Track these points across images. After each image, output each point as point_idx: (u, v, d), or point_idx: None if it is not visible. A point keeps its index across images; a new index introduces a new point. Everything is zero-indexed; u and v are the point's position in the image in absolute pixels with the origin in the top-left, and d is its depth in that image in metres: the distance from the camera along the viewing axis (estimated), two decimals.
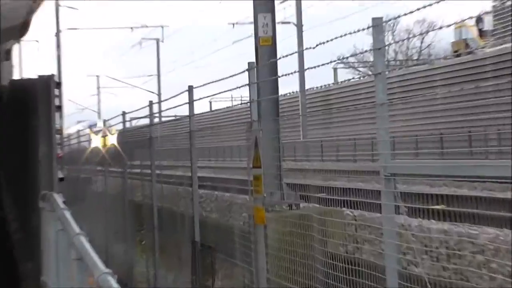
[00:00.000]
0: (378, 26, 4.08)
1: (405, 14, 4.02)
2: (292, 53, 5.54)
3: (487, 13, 29.99)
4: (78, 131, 16.10)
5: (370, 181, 8.46)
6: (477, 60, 23.79)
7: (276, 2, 7.73)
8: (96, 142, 14.11)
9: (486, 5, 38.80)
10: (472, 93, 23.31)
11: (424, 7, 3.68)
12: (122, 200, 11.83)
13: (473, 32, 31.12)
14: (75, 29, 42.06)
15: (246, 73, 6.27)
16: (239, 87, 6.28)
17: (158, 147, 10.09)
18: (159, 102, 18.72)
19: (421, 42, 48.71)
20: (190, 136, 7.88)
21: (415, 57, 48.34)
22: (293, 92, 31.28)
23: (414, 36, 51.82)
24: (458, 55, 27.31)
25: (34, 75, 7.01)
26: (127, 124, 12.48)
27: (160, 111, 15.31)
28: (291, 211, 6.28)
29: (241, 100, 52.01)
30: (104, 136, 14.91)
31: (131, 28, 42.11)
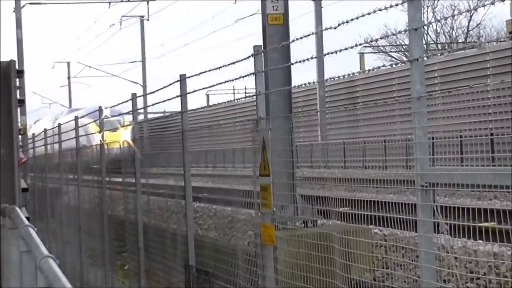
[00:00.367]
0: (415, 0, 4.10)
1: None
2: (309, 35, 5.53)
3: None
4: (59, 125, 15.50)
5: (403, 192, 8.49)
6: None
7: None
8: (100, 138, 13.41)
9: None
10: None
11: None
12: (99, 215, 11.88)
13: None
14: (39, 3, 41.51)
15: (252, 59, 6.27)
16: (243, 77, 6.29)
17: (145, 150, 10.14)
18: (144, 95, 18.77)
19: (469, 21, 48.55)
20: (183, 137, 7.88)
21: (461, 40, 48.22)
22: (309, 83, 31.18)
23: (460, 13, 51.82)
24: None
25: None
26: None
27: (145, 106, 15.32)
28: (307, 229, 6.32)
29: (245, 92, 52.28)
30: (113, 130, 14.51)
31: (109, 3, 41.75)
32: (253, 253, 6.43)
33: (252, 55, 6.24)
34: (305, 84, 5.87)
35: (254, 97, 6.42)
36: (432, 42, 47.58)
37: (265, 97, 6.48)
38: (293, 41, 5.75)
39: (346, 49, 4.86)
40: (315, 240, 5.71)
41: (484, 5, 5.15)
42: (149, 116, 37.60)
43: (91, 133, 14.99)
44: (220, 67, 6.55)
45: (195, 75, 7.37)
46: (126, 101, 10.83)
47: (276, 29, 7.55)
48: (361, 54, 42.15)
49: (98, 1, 42.49)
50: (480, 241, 7.11)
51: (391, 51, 47.89)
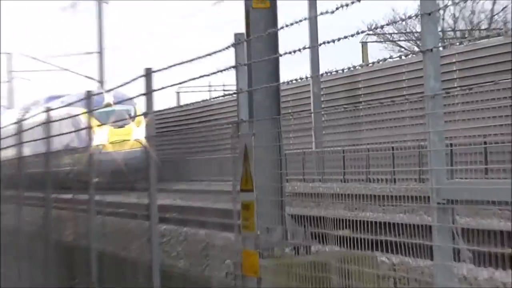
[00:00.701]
0: None
1: None
2: (301, 20, 5.55)
3: None
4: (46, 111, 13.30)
5: (416, 211, 8.51)
6: None
7: None
8: (103, 137, 11.79)
9: None
10: None
11: None
12: (44, 241, 11.82)
13: None
14: None
15: (232, 50, 6.27)
16: (221, 71, 6.30)
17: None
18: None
19: (493, 4, 48.88)
20: (147, 144, 7.92)
21: (484, 26, 48.54)
22: (301, 79, 31.21)
23: None
24: None
25: None
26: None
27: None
28: (298, 257, 6.29)
29: (223, 90, 52.35)
30: (121, 127, 13.32)
31: None
32: (233, 286, 6.43)
33: (232, 44, 6.25)
34: (296, 80, 5.87)
35: (235, 95, 6.43)
36: (450, 29, 47.85)
37: (248, 95, 6.46)
38: (282, 28, 5.80)
39: (345, 37, 4.86)
40: (308, 270, 5.71)
41: None
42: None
43: (82, 128, 11.99)
44: (194, 59, 6.58)
45: (164, 68, 7.38)
46: (79, 100, 10.73)
47: (261, 14, 7.58)
48: (364, 44, 42.32)
49: None
50: (511, 270, 7.14)
51: (399, 40, 48.16)
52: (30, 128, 13.67)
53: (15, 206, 13.89)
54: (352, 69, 5.22)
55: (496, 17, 49.08)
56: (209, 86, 56.86)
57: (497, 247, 8.81)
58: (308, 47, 5.64)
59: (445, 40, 40.44)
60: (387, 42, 47.93)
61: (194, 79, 6.56)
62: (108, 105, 11.07)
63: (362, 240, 5.23)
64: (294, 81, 5.88)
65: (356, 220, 5.72)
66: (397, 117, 27.61)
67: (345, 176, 26.86)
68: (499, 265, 7.03)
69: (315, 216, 5.81)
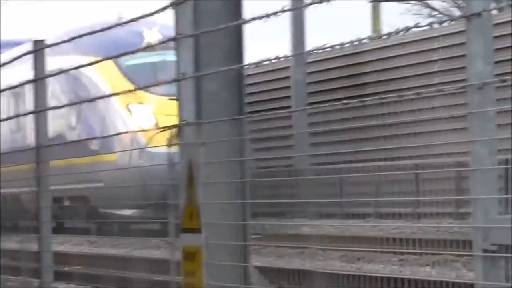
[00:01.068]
0: None
1: None
2: None
3: None
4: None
5: (449, 263, 8.45)
6: None
7: None
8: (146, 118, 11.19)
9: None
10: None
11: None
12: None
13: None
14: None
15: (170, 13, 6.42)
16: (152, 46, 6.33)
17: None
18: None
19: None
20: (37, 153, 7.99)
21: None
22: (278, 59, 30.89)
23: None
24: None
25: None
26: None
27: None
28: None
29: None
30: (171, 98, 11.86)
31: None
32: None
33: (170, 4, 6.34)
34: (270, 61, 5.92)
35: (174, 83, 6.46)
36: None
37: (194, 83, 6.55)
38: None
39: None
40: None
41: None
42: None
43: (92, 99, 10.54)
44: (110, 27, 6.61)
45: (63, 42, 7.43)
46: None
47: None
48: (376, 4, 42.13)
49: None
50: None
51: None
52: None
53: None
54: (356, 44, 5.25)
55: None
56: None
57: None
58: (288, 10, 5.68)
59: (501, 1, 40.53)
60: (411, 2, 48.01)
61: (111, 58, 6.62)
62: (149, 48, 9.69)
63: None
64: (267, 63, 5.93)
65: (358, 276, 5.68)
66: (424, 118, 27.55)
67: (343, 208, 26.86)
68: None
69: (294, 269, 5.83)
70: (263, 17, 5.58)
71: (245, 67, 7.30)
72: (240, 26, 7.34)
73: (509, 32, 24.45)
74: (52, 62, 16.60)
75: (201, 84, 6.91)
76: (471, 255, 4.42)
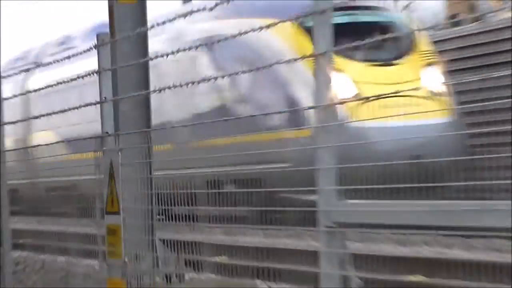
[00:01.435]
0: None
1: None
2: (174, 18, 6.46)
3: None
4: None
5: (302, 235, 9.12)
6: None
7: None
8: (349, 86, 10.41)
9: None
10: None
11: None
12: None
13: None
14: None
15: (95, 52, 7.55)
16: (82, 77, 7.42)
17: None
18: None
19: None
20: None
21: None
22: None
23: None
24: None
25: None
26: None
27: None
28: (170, 286, 7.41)
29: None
30: (388, 63, 10.11)
31: None
32: None
33: (94, 46, 7.37)
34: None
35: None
36: None
37: (113, 104, 7.63)
38: (153, 26, 6.84)
39: None
40: None
41: None
42: None
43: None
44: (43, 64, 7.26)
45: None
46: None
47: (127, 10, 8.57)
48: None
49: None
50: None
51: None
52: None
53: None
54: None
55: None
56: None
57: (390, 274, 9.65)
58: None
59: None
60: None
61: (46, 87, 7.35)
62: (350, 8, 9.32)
63: (241, 268, 6.03)
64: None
65: (237, 247, 6.48)
66: None
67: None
68: None
69: (190, 241, 6.75)
70: (164, 55, 6.51)
71: (150, 93, 8.37)
72: (147, 62, 8.66)
73: None
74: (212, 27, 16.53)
75: (118, 105, 8.13)
76: (317, 230, 4.99)
